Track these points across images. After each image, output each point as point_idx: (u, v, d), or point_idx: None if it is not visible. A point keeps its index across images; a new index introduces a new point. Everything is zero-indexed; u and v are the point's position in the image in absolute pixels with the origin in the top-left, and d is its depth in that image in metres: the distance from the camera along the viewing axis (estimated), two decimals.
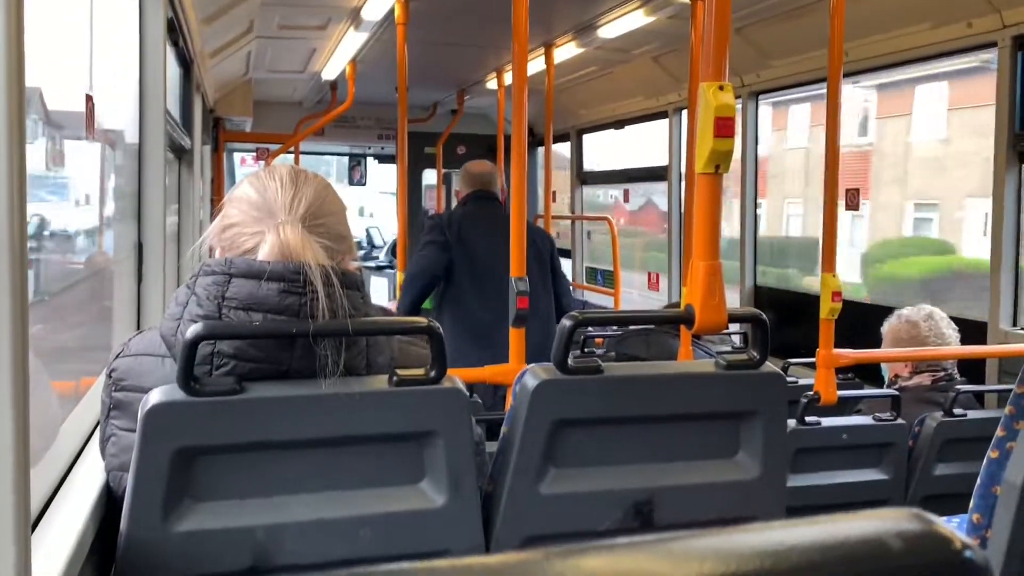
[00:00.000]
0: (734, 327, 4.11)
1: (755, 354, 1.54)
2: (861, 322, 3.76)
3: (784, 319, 4.61)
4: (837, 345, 2.75)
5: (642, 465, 1.54)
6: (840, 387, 2.80)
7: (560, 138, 7.07)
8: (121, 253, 2.61)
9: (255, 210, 1.41)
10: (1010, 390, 1.78)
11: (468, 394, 1.48)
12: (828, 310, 2.69)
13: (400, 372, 1.40)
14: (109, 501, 1.44)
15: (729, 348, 3.94)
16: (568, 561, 0.37)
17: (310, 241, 1.38)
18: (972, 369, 3.31)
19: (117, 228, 2.60)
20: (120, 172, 2.62)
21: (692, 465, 1.56)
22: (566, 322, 1.55)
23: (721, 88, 1.54)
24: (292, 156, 6.83)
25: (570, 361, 1.51)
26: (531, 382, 1.50)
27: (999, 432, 1.78)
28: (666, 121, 5.58)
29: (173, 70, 3.66)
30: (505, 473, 1.51)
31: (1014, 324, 3.33)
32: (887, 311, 3.33)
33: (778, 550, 0.37)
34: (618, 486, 1.53)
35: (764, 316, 1.55)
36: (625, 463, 1.54)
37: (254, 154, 8.12)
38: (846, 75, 3.32)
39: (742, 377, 1.53)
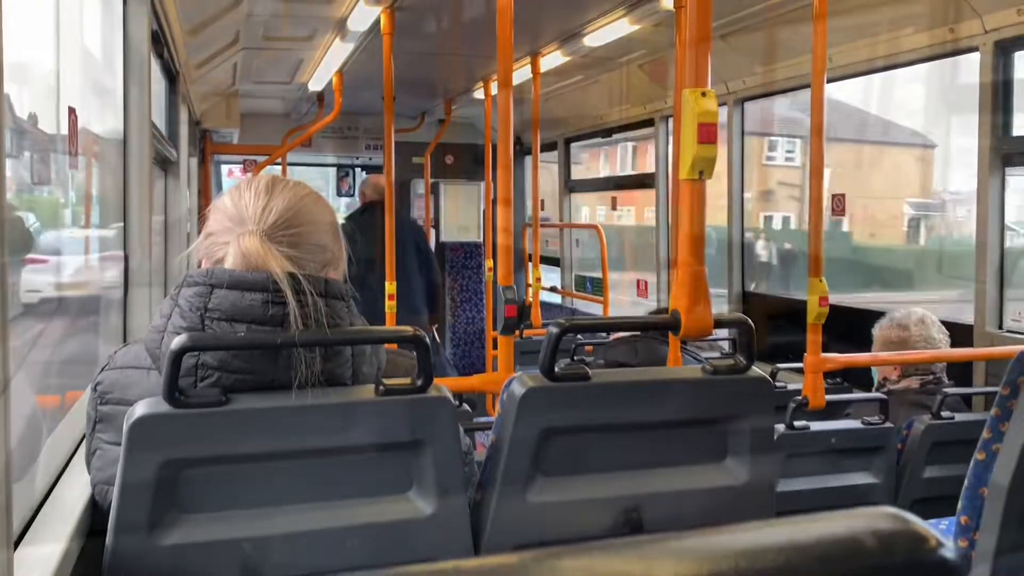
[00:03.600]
0: (722, 332, 4.13)
1: (742, 359, 1.55)
2: (849, 325, 3.78)
3: (772, 324, 4.63)
4: (825, 350, 2.77)
5: (630, 471, 1.54)
6: (828, 391, 2.81)
7: (548, 147, 7.08)
8: (107, 265, 2.60)
9: (228, 220, 1.42)
10: (996, 392, 1.79)
11: (457, 403, 1.48)
12: (815, 315, 2.70)
13: (387, 381, 1.39)
14: (95, 515, 1.42)
15: (717, 354, 3.95)
16: (545, 564, 0.36)
17: (271, 250, 1.37)
18: (959, 372, 3.32)
19: (103, 240, 2.58)
20: (105, 184, 2.60)
21: (680, 471, 1.56)
22: (553, 329, 1.55)
23: (704, 94, 1.55)
24: (279, 168, 6.81)
25: (557, 368, 1.51)
26: (518, 390, 1.50)
27: (985, 434, 1.79)
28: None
29: (158, 81, 3.65)
30: (493, 481, 1.51)
31: (999, 327, 3.35)
32: (876, 315, 3.34)
33: (755, 550, 0.37)
34: (607, 493, 1.53)
35: (750, 321, 1.56)
36: (613, 470, 1.54)
37: (241, 166, 8.10)
38: (830, 80, 3.35)
39: (729, 382, 1.54)
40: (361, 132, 7.84)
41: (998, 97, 3.29)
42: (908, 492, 2.68)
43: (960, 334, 3.43)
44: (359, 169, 8.83)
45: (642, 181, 6.36)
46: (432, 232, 7.74)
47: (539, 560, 0.37)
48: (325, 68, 5.33)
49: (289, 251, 1.39)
